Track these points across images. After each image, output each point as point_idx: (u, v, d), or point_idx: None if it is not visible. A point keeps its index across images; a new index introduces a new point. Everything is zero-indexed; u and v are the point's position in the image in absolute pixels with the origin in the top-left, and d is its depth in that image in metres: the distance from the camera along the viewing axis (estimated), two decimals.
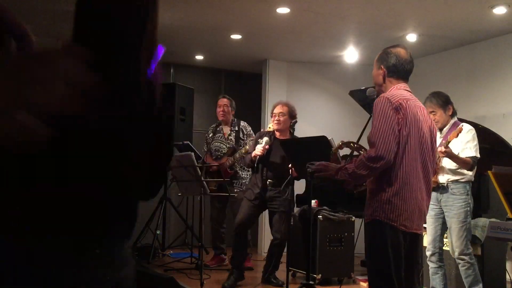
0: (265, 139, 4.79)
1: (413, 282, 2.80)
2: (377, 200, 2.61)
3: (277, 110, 4.88)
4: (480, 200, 4.76)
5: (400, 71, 2.79)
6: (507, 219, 3.31)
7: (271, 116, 4.95)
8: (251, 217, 4.88)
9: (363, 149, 2.88)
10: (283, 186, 4.65)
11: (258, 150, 4.74)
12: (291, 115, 4.89)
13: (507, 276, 4.47)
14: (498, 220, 3.49)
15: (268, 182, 4.80)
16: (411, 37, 5.94)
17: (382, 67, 2.80)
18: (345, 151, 3.16)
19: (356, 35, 6.16)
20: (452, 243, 4.03)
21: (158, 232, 6.01)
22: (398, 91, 2.73)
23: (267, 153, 4.81)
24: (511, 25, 5.50)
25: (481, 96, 6.04)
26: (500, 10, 5.01)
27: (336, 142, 3.79)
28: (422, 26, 5.74)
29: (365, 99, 5.09)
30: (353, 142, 2.96)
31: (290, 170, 4.56)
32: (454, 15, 5.29)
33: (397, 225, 2.59)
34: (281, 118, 4.83)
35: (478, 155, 3.98)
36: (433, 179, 3.99)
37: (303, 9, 5.26)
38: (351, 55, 6.76)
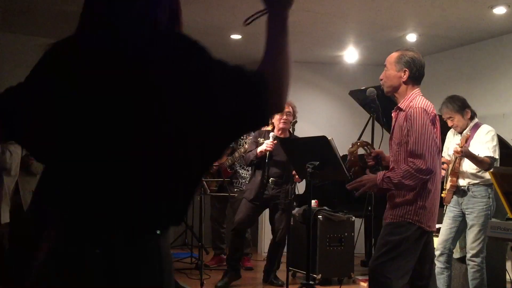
0: (272, 134, 4.77)
1: (429, 278, 2.90)
2: (412, 204, 2.70)
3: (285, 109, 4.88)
4: None
5: (420, 76, 2.85)
6: (507, 219, 3.30)
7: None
8: (250, 218, 4.87)
9: (368, 146, 2.92)
10: (289, 187, 4.67)
11: (268, 145, 4.69)
12: (294, 116, 4.91)
13: (507, 276, 4.47)
14: (498, 220, 3.49)
15: (270, 181, 4.80)
16: (411, 37, 5.94)
17: (407, 71, 2.79)
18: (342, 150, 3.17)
19: (356, 35, 6.16)
20: (467, 244, 4.02)
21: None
22: (422, 98, 2.79)
23: (270, 152, 4.81)
24: (511, 25, 5.51)
25: (481, 96, 6.04)
26: (500, 10, 5.01)
27: (336, 142, 3.79)
28: (422, 26, 5.74)
29: (365, 99, 5.08)
30: (364, 141, 2.98)
31: (294, 177, 4.58)
32: (454, 15, 5.29)
33: (424, 226, 2.71)
34: (289, 118, 4.84)
35: (497, 157, 3.94)
36: (452, 183, 3.99)
37: (303, 9, 5.26)
38: (351, 55, 6.75)
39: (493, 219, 3.85)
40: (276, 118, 4.88)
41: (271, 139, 4.73)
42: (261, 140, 4.86)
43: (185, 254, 6.01)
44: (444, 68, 6.51)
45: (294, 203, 5.03)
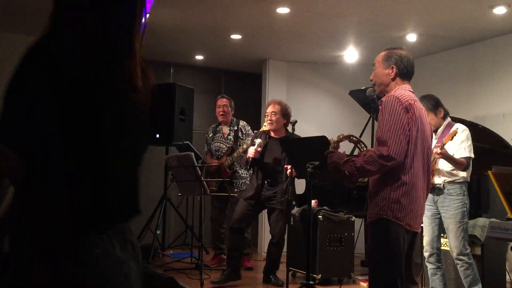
0: (258, 140, 4.81)
1: (412, 281, 2.84)
2: (385, 199, 2.63)
3: (269, 109, 4.89)
4: (480, 200, 4.76)
5: (409, 73, 2.84)
6: (507, 219, 3.30)
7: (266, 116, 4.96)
8: (246, 216, 4.86)
9: (361, 143, 2.91)
10: (284, 186, 4.67)
11: (251, 152, 4.77)
12: (284, 114, 4.87)
13: (507, 276, 4.47)
14: (498, 220, 3.49)
15: (266, 182, 4.81)
16: (411, 37, 5.94)
17: (394, 67, 2.80)
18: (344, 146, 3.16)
19: (356, 35, 6.17)
20: (450, 244, 4.03)
21: (158, 232, 6.01)
22: (404, 91, 2.76)
23: (262, 153, 4.83)
24: (511, 25, 5.51)
25: (481, 96, 6.04)
26: (500, 10, 5.01)
27: None
28: (422, 26, 5.74)
29: (365, 99, 5.09)
30: (352, 135, 2.97)
31: (289, 171, 4.57)
32: (454, 15, 5.29)
33: (403, 224, 2.63)
34: (274, 118, 4.83)
35: (472, 155, 3.99)
36: None
37: (303, 9, 5.26)
38: (351, 55, 6.76)
39: (493, 219, 3.86)
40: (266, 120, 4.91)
41: (255, 146, 4.77)
42: (257, 140, 4.89)
43: (185, 254, 6.01)
44: (444, 68, 6.51)
45: (294, 203, 5.01)
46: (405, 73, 2.82)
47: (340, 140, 2.96)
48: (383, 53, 2.88)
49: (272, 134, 4.91)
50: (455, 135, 3.88)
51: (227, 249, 4.93)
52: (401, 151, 2.57)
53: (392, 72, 2.80)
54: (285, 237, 4.94)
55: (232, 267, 4.82)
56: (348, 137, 2.94)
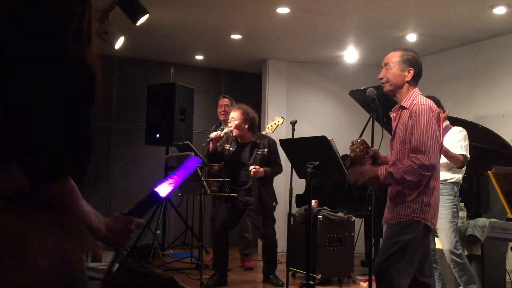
0: (226, 130, 4.87)
1: (430, 275, 2.95)
2: (418, 202, 2.72)
3: (230, 116, 4.88)
4: (480, 200, 4.76)
5: (420, 76, 2.92)
6: (507, 219, 3.30)
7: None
8: (229, 222, 4.85)
9: (365, 144, 2.92)
10: (257, 192, 4.70)
11: (213, 134, 4.86)
12: (245, 119, 4.78)
13: (507, 276, 4.47)
14: (498, 220, 3.49)
15: (240, 188, 4.79)
16: (411, 37, 5.94)
17: (412, 71, 2.85)
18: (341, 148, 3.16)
19: (356, 35, 6.17)
20: (443, 245, 4.04)
21: (158, 232, 6.01)
22: (424, 97, 2.83)
23: (231, 159, 4.83)
24: (511, 25, 5.51)
25: (481, 96, 6.04)
26: (500, 10, 5.02)
27: (336, 142, 3.79)
28: (422, 26, 5.74)
29: (365, 99, 5.07)
30: (364, 142, 2.96)
31: (253, 171, 4.63)
32: (454, 15, 5.29)
33: (430, 224, 2.74)
34: (233, 125, 4.79)
35: (469, 156, 4.00)
36: None
37: (303, 9, 5.26)
38: (351, 55, 6.76)
39: (493, 219, 3.86)
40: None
41: (220, 131, 4.90)
42: (226, 146, 4.88)
43: (185, 254, 6.01)
44: (444, 68, 6.51)
45: (274, 204, 4.93)
46: (419, 76, 2.90)
47: (358, 146, 2.93)
48: (398, 53, 2.90)
49: (239, 139, 4.89)
50: (445, 118, 3.92)
51: (213, 255, 4.90)
52: (437, 160, 2.70)
53: (408, 74, 2.85)
54: (278, 237, 4.93)
55: (220, 272, 4.78)
56: (362, 143, 2.93)
